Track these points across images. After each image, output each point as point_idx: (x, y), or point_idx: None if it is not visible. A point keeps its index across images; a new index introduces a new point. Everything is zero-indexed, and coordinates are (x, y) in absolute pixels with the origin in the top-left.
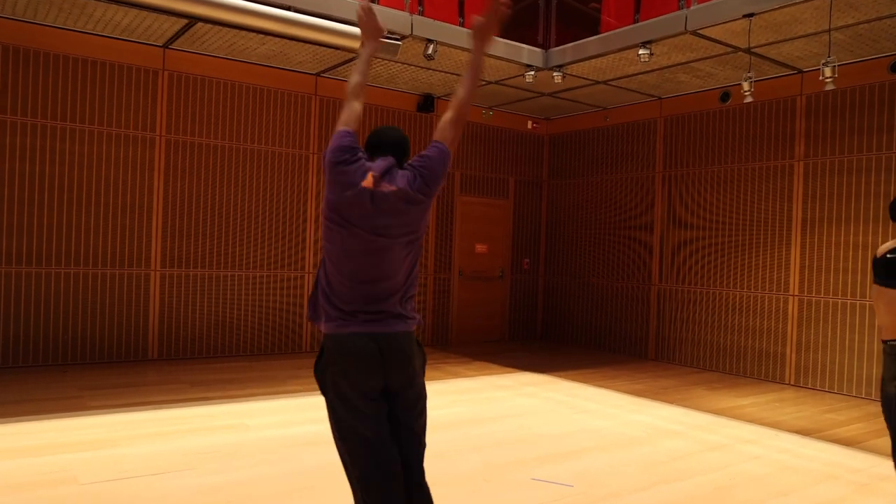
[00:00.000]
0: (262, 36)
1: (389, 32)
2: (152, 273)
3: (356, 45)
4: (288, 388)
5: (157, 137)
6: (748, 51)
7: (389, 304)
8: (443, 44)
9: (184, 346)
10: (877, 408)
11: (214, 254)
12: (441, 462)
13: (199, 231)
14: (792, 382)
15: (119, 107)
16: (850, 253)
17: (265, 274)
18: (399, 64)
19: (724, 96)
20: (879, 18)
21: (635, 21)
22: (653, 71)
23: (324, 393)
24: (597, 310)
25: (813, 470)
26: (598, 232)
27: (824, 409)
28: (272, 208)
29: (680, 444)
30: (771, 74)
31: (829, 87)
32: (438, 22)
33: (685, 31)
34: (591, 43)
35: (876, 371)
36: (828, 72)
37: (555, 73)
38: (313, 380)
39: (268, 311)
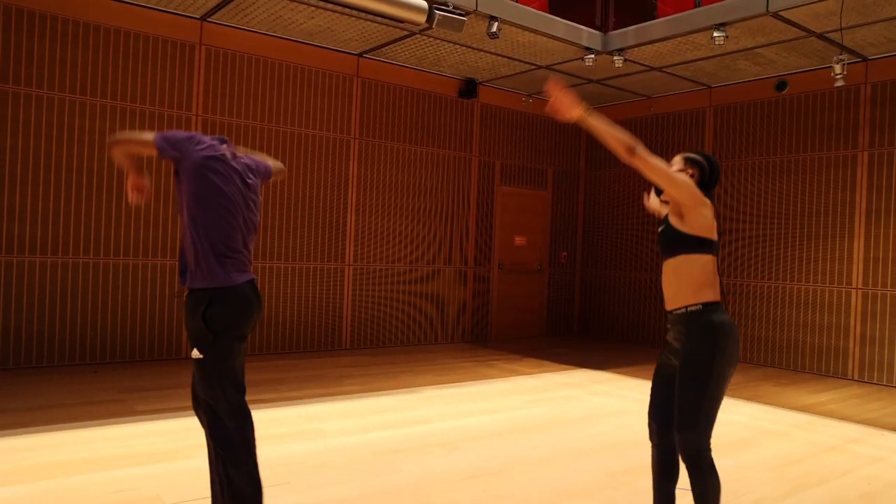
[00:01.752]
0: (312, 8)
1: (455, 7)
2: None
3: (415, 16)
4: (344, 388)
5: (194, 117)
6: (821, 36)
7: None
8: (507, 22)
9: None
10: None
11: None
12: (553, 469)
13: None
14: (856, 378)
15: (153, 82)
16: None
17: (303, 266)
18: (448, 44)
19: (781, 85)
20: None
21: (697, 4)
22: (714, 57)
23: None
24: (637, 305)
25: None
26: (640, 224)
27: None
28: (312, 195)
29: (790, 445)
30: (823, 63)
31: (840, 83)
32: (514, 5)
33: (766, 13)
34: (656, 25)
35: None
36: (837, 69)
37: (615, 58)
38: (367, 380)
39: (305, 305)
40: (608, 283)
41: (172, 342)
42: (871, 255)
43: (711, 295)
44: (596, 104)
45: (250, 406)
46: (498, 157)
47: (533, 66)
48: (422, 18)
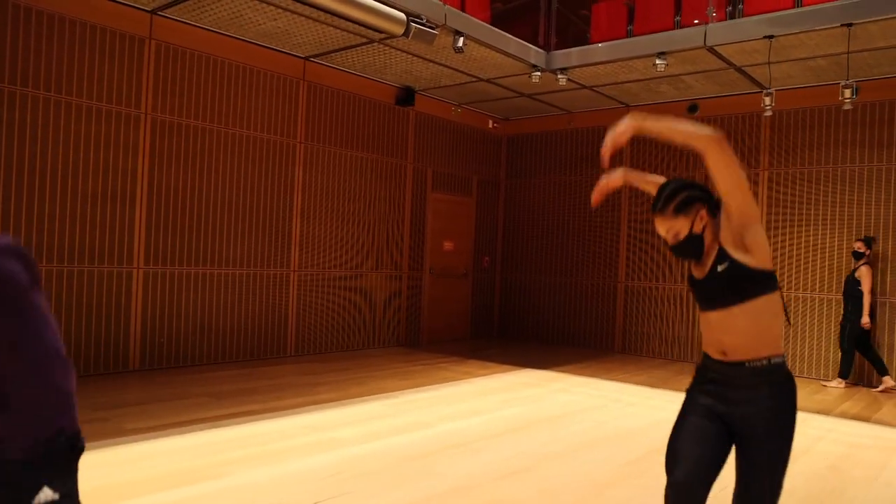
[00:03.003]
0: (276, 9)
1: (428, 21)
2: (135, 271)
3: (394, 28)
4: (322, 396)
5: (143, 115)
6: (739, 69)
7: None
8: (470, 37)
9: (167, 353)
10: None
11: (195, 249)
12: (575, 461)
13: (184, 224)
14: None
15: (100, 76)
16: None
17: (247, 272)
18: (400, 53)
19: (693, 108)
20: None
21: (628, 33)
22: (644, 80)
23: None
24: (557, 307)
25: None
26: (560, 231)
27: (812, 391)
28: (259, 200)
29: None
30: (739, 91)
31: (847, 107)
32: (470, 16)
33: (703, 47)
34: (600, 49)
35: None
36: (847, 93)
37: (559, 76)
38: (339, 386)
39: (251, 312)
40: (525, 287)
41: (110, 354)
42: (779, 259)
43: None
44: (520, 116)
45: (239, 418)
46: (430, 165)
47: (474, 79)
48: (400, 30)
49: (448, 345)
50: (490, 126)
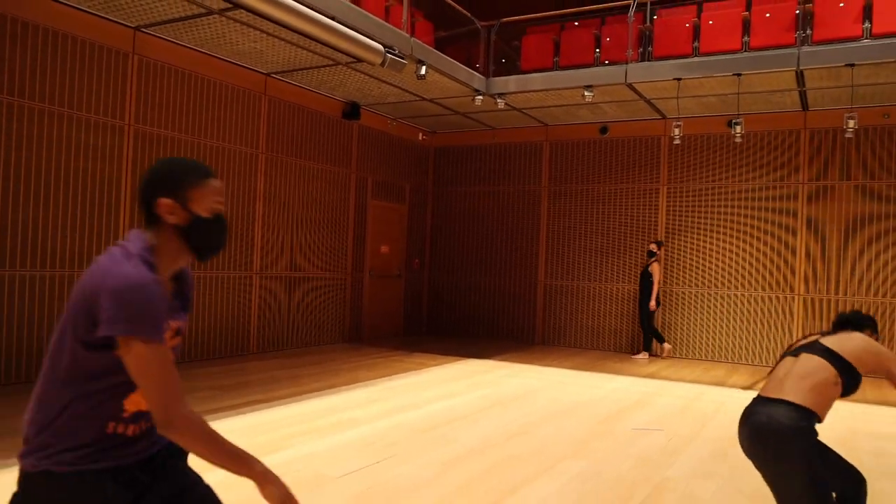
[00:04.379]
0: (259, 33)
1: (399, 52)
2: None
3: (373, 57)
4: (309, 386)
5: (126, 126)
6: (648, 101)
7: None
8: (431, 66)
9: None
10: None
11: None
12: (559, 425)
13: None
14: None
15: (89, 88)
16: (704, 256)
17: (214, 275)
18: (354, 72)
19: (604, 129)
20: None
21: (555, 64)
22: (568, 105)
23: None
24: (482, 304)
25: None
26: (484, 236)
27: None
28: (227, 207)
29: (670, 400)
30: (644, 117)
31: (738, 140)
32: (431, 48)
33: (624, 83)
34: (535, 78)
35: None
36: (738, 129)
37: (498, 100)
38: (320, 378)
39: (215, 313)
40: (452, 286)
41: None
42: (669, 261)
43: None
44: (450, 130)
45: (253, 406)
46: (370, 174)
47: (418, 98)
48: (378, 60)
49: (387, 340)
50: (420, 138)
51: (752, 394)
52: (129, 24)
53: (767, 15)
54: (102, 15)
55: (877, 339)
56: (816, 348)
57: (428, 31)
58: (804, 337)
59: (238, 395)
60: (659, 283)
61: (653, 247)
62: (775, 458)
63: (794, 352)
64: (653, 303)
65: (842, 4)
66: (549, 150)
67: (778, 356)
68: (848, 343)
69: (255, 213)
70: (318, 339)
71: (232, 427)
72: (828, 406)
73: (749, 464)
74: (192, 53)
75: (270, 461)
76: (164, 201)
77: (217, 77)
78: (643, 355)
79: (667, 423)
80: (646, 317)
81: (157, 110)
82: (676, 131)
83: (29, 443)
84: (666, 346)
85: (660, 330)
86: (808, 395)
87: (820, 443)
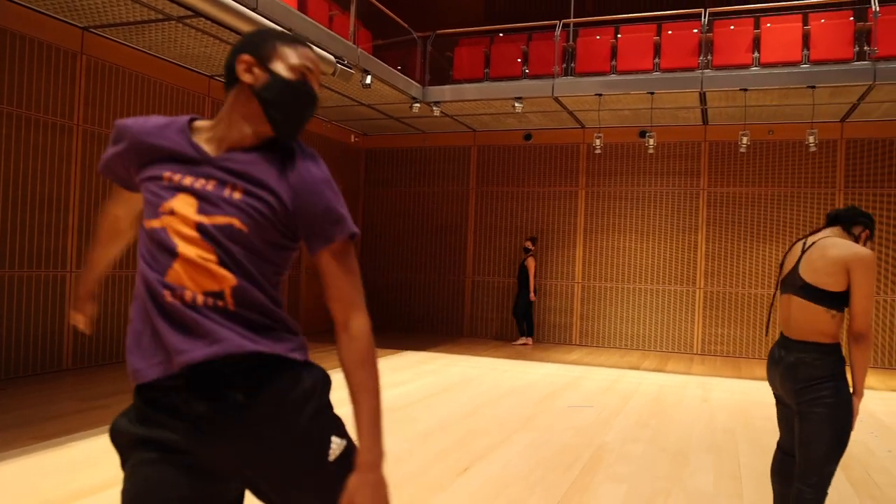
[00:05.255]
0: (214, 39)
1: (347, 62)
2: (68, 275)
3: (325, 67)
4: None
5: (75, 126)
6: (571, 113)
7: None
8: (375, 76)
9: (99, 351)
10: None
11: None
12: (504, 406)
13: None
14: (577, 343)
15: (36, 88)
16: (621, 254)
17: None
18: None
19: (528, 136)
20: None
21: (485, 75)
22: (500, 114)
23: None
24: (411, 300)
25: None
26: (414, 235)
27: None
28: None
29: (594, 382)
30: (565, 126)
31: (651, 151)
32: (377, 59)
33: (551, 96)
34: (469, 88)
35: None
36: (651, 141)
37: (434, 108)
38: None
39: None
40: (383, 283)
41: (55, 355)
42: (588, 258)
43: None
44: (381, 133)
45: None
46: None
47: (356, 103)
48: (330, 70)
49: (324, 335)
50: (352, 140)
51: (664, 375)
52: (78, 24)
53: (669, 32)
54: (52, 14)
55: (870, 238)
56: (797, 285)
57: (367, 40)
58: (789, 250)
59: None
60: (534, 276)
61: (528, 244)
62: (799, 389)
63: (784, 287)
64: (532, 295)
65: (732, 27)
66: (477, 154)
67: (775, 283)
68: (822, 264)
69: None
70: None
71: None
72: (839, 333)
73: (668, 428)
74: (138, 54)
75: None
76: (244, 57)
77: (162, 78)
78: (524, 340)
79: (595, 400)
80: (524, 306)
81: (105, 110)
82: (598, 142)
83: None
84: (529, 339)
85: (533, 321)
86: (820, 336)
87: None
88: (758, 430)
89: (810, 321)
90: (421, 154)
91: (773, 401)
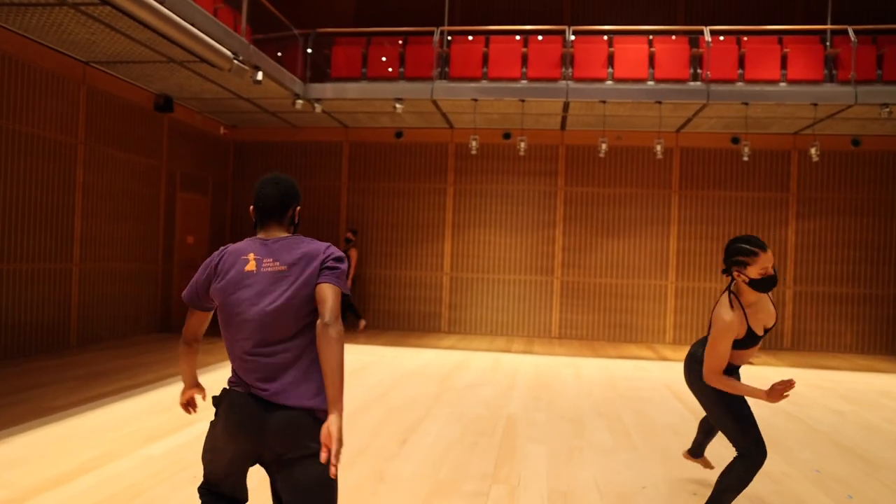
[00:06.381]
0: (104, 26)
1: (243, 59)
2: None
3: (224, 63)
4: (174, 370)
5: None
6: (444, 115)
7: None
8: (266, 72)
9: None
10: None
11: None
12: (416, 383)
13: None
14: (446, 330)
15: None
16: (486, 249)
17: (28, 268)
18: (183, 70)
19: (399, 134)
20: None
21: (363, 75)
22: (377, 112)
23: None
24: None
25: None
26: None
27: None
28: (37, 196)
29: (479, 363)
30: (436, 126)
31: (522, 153)
32: (265, 55)
33: (430, 99)
34: (351, 87)
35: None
36: (522, 145)
37: (316, 105)
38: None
39: (30, 306)
40: None
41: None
42: (456, 251)
43: None
44: (251, 125)
45: (141, 388)
46: (179, 167)
47: (235, 96)
48: (227, 66)
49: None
50: (221, 132)
51: (535, 357)
52: None
53: (540, 38)
54: None
55: (743, 266)
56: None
57: (248, 35)
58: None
59: (108, 383)
60: (354, 266)
61: (349, 235)
62: (689, 381)
63: None
64: (349, 284)
65: (589, 43)
66: (349, 150)
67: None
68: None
69: (75, 203)
70: (134, 331)
71: (124, 412)
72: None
73: (559, 400)
74: (9, 35)
75: (194, 431)
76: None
77: (34, 62)
78: (362, 323)
79: (488, 379)
80: (344, 298)
81: None
82: (474, 143)
83: None
84: (362, 322)
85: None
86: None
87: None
88: (629, 399)
89: None
90: (292, 148)
91: (632, 374)
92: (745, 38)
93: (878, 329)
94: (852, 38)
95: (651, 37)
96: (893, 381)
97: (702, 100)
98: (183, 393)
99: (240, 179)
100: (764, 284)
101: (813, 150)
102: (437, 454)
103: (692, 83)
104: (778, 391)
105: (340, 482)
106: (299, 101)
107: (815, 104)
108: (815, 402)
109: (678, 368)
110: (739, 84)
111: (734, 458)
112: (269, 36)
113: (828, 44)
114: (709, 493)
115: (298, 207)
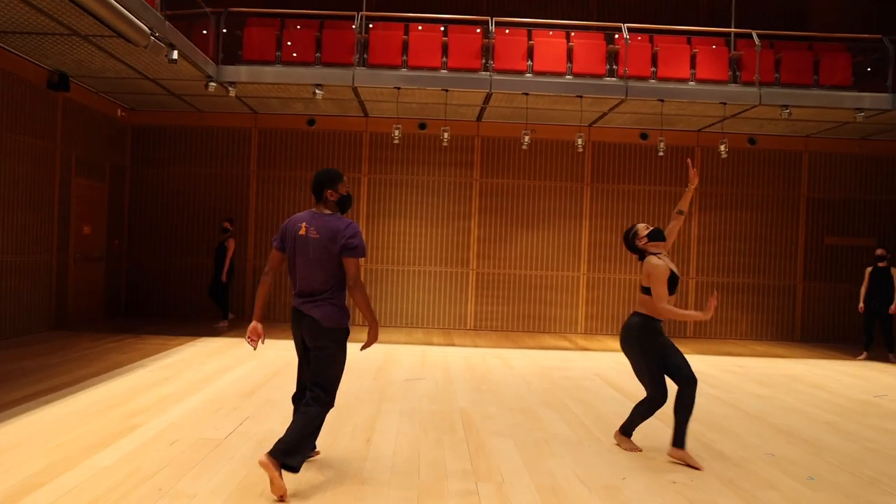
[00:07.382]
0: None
1: (159, 36)
2: None
3: (141, 38)
4: (110, 362)
5: None
6: (361, 102)
7: None
8: (180, 52)
9: None
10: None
11: None
12: (360, 380)
13: None
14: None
15: None
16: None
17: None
18: (86, 45)
19: (311, 122)
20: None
21: (277, 58)
22: (285, 98)
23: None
24: (186, 285)
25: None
26: (190, 218)
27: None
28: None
29: (407, 358)
30: (351, 114)
31: (445, 144)
32: (179, 33)
33: (350, 85)
34: (268, 71)
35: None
36: (446, 135)
37: (230, 88)
38: (112, 355)
39: None
40: (154, 268)
41: None
42: (370, 242)
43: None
44: (151, 108)
45: (90, 380)
46: (74, 150)
47: (140, 76)
48: (145, 42)
49: (96, 322)
50: (118, 114)
51: (459, 349)
52: None
53: (457, 27)
54: None
55: (643, 245)
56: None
57: (160, 10)
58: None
59: (51, 378)
60: (231, 257)
61: (227, 224)
62: (623, 347)
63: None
64: (224, 275)
65: (507, 31)
66: (259, 137)
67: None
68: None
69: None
70: (27, 328)
71: (51, 418)
72: (653, 310)
73: (501, 392)
74: None
75: (150, 430)
76: None
77: None
78: (224, 323)
79: (421, 373)
80: (220, 288)
81: None
82: (396, 133)
83: None
84: (226, 323)
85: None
86: (641, 307)
87: (666, 341)
88: (567, 389)
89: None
90: (196, 133)
91: (560, 364)
92: (657, 37)
93: (770, 317)
94: (756, 42)
95: (571, 32)
96: (797, 366)
97: (620, 95)
98: (252, 326)
99: (139, 165)
100: (658, 234)
101: (722, 147)
102: (406, 453)
103: (610, 79)
104: (710, 308)
105: (326, 484)
106: (212, 84)
107: (725, 103)
108: (737, 387)
109: (599, 357)
110: (653, 81)
111: (642, 399)
112: (179, 12)
113: (732, 46)
114: (685, 480)
115: (331, 190)
